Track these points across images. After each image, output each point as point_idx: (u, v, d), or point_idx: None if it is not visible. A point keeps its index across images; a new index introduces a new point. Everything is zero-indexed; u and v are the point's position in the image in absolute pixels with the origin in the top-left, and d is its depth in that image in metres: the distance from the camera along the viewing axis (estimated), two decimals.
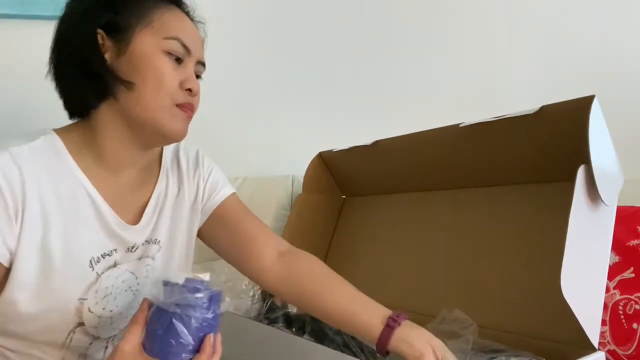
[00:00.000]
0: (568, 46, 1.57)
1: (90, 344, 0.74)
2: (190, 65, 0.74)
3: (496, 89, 1.58)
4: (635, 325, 0.97)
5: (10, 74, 1.21)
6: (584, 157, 0.72)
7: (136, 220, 0.76)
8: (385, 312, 0.73)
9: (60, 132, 0.73)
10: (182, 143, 0.89)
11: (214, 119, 1.57)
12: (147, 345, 0.62)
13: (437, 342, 0.69)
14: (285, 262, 0.82)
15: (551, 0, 1.60)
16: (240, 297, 1.14)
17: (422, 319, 0.89)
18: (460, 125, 0.96)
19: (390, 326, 0.70)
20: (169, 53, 0.71)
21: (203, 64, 0.78)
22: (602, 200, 0.74)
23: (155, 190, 0.80)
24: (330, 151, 1.31)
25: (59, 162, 0.70)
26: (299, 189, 1.38)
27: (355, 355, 0.80)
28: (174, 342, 0.61)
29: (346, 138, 1.26)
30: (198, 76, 0.77)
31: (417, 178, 1.14)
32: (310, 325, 0.99)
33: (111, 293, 0.72)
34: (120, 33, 0.70)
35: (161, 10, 0.72)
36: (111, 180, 0.74)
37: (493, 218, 0.97)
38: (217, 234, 0.87)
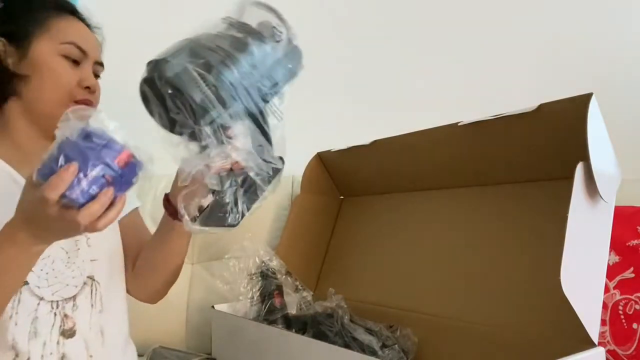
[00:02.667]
0: (566, 44, 1.57)
1: (38, 304, 0.75)
2: (87, 66, 0.83)
3: (494, 88, 1.58)
4: (635, 325, 0.97)
5: None
6: (583, 155, 0.72)
7: None
8: (167, 217, 0.79)
9: None
10: None
11: None
12: (41, 171, 0.57)
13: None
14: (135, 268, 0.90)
15: None
16: (239, 299, 1.14)
17: (421, 318, 0.89)
18: (459, 124, 0.96)
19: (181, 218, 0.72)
20: (65, 56, 0.80)
21: (101, 64, 0.87)
22: (601, 197, 0.74)
23: None
24: (328, 151, 1.32)
25: None
26: (298, 189, 1.38)
27: None
28: (44, 163, 0.56)
29: (345, 138, 1.26)
30: (97, 75, 0.86)
31: (415, 177, 1.14)
32: (312, 330, 1.00)
33: (49, 256, 0.77)
34: (20, 40, 0.79)
35: (58, 18, 0.82)
36: (29, 162, 0.77)
37: (492, 216, 0.97)
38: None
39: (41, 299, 0.76)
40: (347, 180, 1.35)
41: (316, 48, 1.63)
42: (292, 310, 1.11)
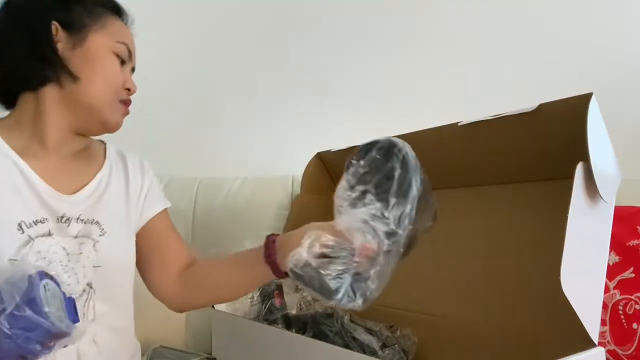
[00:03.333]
0: (566, 44, 1.57)
1: None
2: (128, 69, 0.85)
3: (494, 88, 1.57)
4: (635, 325, 0.97)
5: None
6: (582, 155, 0.72)
7: (74, 192, 0.81)
8: (261, 253, 0.75)
9: None
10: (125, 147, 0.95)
11: (214, 119, 1.58)
12: None
13: (310, 231, 0.66)
14: (183, 276, 0.87)
15: None
16: (239, 299, 1.14)
17: (421, 318, 0.89)
18: (459, 124, 0.96)
19: (272, 264, 0.72)
20: (117, 55, 0.82)
21: (134, 70, 0.88)
22: (601, 197, 0.74)
23: (97, 175, 0.85)
24: (328, 151, 1.32)
25: None
26: (298, 189, 1.37)
27: None
28: None
29: (345, 138, 1.26)
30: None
31: None
32: (312, 330, 0.99)
33: (45, 258, 0.74)
34: (75, 29, 0.79)
35: (112, 17, 0.83)
36: (43, 157, 0.79)
37: (491, 216, 0.97)
38: (140, 246, 0.89)
39: None
40: None
41: (317, 49, 1.64)
42: (292, 310, 1.11)
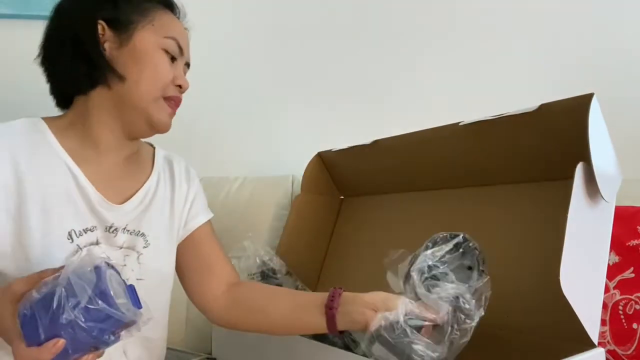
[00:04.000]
0: (567, 44, 1.58)
1: None
2: (181, 65, 0.82)
3: (495, 88, 1.58)
4: (635, 325, 0.97)
5: (11, 73, 1.21)
6: (583, 155, 0.72)
7: (122, 202, 0.80)
8: (322, 301, 0.74)
9: (46, 119, 0.79)
10: (174, 153, 0.95)
11: (214, 119, 1.57)
12: (25, 298, 0.56)
13: (376, 301, 0.70)
14: (231, 292, 0.86)
15: None
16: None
17: None
18: (460, 124, 0.96)
19: (330, 316, 0.72)
20: (166, 51, 0.79)
21: (188, 65, 0.86)
22: (602, 197, 0.74)
23: (146, 184, 0.84)
24: (329, 151, 1.31)
25: (41, 140, 0.75)
26: (298, 189, 1.37)
27: None
28: (34, 315, 0.54)
29: (346, 138, 1.26)
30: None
31: (416, 178, 1.14)
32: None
33: None
34: (122, 27, 0.76)
35: (160, 12, 0.80)
36: (95, 162, 0.78)
37: (491, 216, 0.97)
38: (181, 256, 0.89)
39: None
40: (347, 180, 1.35)
41: (318, 48, 1.64)
42: None
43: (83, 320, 0.53)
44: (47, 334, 0.53)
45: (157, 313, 0.79)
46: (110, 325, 0.55)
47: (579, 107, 0.74)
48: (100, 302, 0.53)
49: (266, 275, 1.12)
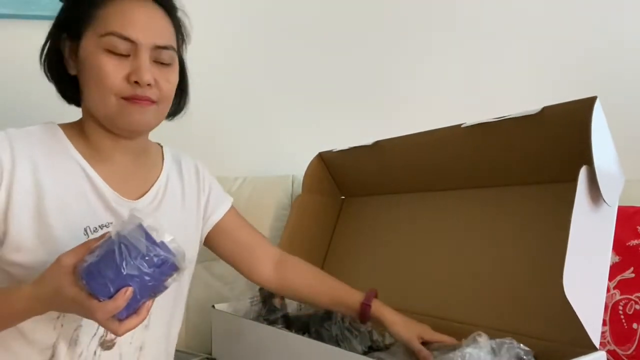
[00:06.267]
0: (570, 47, 1.58)
1: (80, 325, 0.74)
2: (140, 56, 0.72)
3: (498, 90, 1.58)
4: (635, 325, 0.97)
5: (11, 73, 1.21)
6: (586, 158, 0.72)
7: (136, 198, 0.81)
8: (357, 309, 0.90)
9: (62, 125, 0.80)
10: (182, 150, 0.96)
11: (214, 119, 1.57)
12: (79, 266, 0.60)
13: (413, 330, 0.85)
14: (279, 273, 0.96)
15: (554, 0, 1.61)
16: (239, 299, 1.14)
17: (421, 319, 0.89)
18: (462, 126, 0.96)
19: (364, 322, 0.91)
20: (109, 50, 0.71)
21: (164, 47, 0.74)
22: (604, 201, 0.74)
23: (157, 181, 0.85)
24: (330, 151, 1.31)
25: (57, 145, 0.77)
26: (298, 189, 1.37)
27: None
28: (99, 273, 0.59)
29: (346, 138, 1.26)
30: (163, 63, 0.75)
31: (417, 179, 1.14)
32: (312, 330, 1.00)
33: None
34: (77, 37, 0.74)
35: (107, 4, 0.72)
36: (106, 163, 0.79)
37: (494, 218, 0.97)
38: (218, 245, 0.96)
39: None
40: (348, 181, 1.35)
41: (318, 48, 1.64)
42: (292, 310, 1.11)
43: (146, 266, 0.59)
44: (115, 286, 0.59)
45: (174, 305, 0.85)
46: (167, 268, 0.61)
47: (581, 110, 0.74)
48: (157, 248, 0.60)
49: None
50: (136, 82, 0.71)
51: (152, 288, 0.62)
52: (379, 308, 0.88)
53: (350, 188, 1.36)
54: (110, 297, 0.59)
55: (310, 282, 0.96)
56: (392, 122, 1.28)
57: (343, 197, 1.40)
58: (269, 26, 1.59)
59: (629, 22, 1.57)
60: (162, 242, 0.61)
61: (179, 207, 0.87)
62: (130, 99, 0.72)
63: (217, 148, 1.56)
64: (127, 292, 0.58)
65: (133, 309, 0.61)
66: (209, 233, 0.94)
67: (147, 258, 0.59)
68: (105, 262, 0.59)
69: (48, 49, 0.77)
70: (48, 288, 0.62)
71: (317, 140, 1.38)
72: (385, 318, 0.87)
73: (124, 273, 0.58)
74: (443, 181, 1.09)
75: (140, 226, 0.61)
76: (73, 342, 0.73)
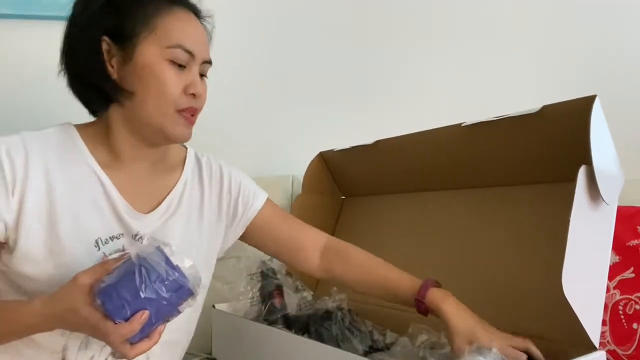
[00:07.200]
0: (569, 46, 1.58)
1: None
2: (194, 69, 0.75)
3: (498, 89, 1.58)
4: (635, 325, 0.97)
5: (11, 73, 1.21)
6: (586, 157, 0.72)
7: (148, 211, 0.79)
8: (415, 287, 0.81)
9: (78, 126, 0.77)
10: (206, 153, 0.94)
11: (214, 119, 1.57)
12: (96, 286, 0.60)
13: (467, 332, 0.73)
14: (325, 264, 0.92)
15: None
16: (239, 299, 1.13)
17: (422, 320, 0.89)
18: (462, 125, 0.96)
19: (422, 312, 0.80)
20: (172, 61, 0.72)
21: (209, 62, 0.79)
22: (603, 200, 0.74)
23: (172, 191, 0.83)
24: (330, 151, 1.31)
25: (73, 149, 0.75)
26: (299, 189, 1.37)
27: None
28: (117, 294, 0.59)
29: (346, 138, 1.26)
30: (203, 75, 0.78)
31: (417, 178, 1.14)
32: (312, 330, 0.99)
33: None
34: (125, 40, 0.72)
35: (164, 14, 0.73)
36: (124, 171, 0.77)
37: (493, 218, 0.97)
38: (260, 242, 0.94)
39: None
40: (349, 180, 1.35)
41: (318, 48, 1.64)
42: (292, 311, 1.11)
43: (164, 290, 0.60)
44: (132, 309, 0.59)
45: (185, 320, 0.79)
46: (182, 293, 0.62)
47: (581, 109, 0.74)
48: (175, 273, 0.60)
49: (266, 275, 1.12)
50: (193, 95, 0.74)
51: (167, 313, 0.62)
52: (437, 304, 0.76)
53: (350, 188, 1.36)
54: (126, 319, 0.59)
55: (359, 276, 0.89)
56: (392, 122, 1.28)
57: (343, 197, 1.40)
58: (269, 26, 1.59)
59: (629, 22, 1.57)
60: (179, 267, 0.61)
61: (195, 216, 0.85)
62: (183, 111, 0.74)
63: (217, 148, 1.55)
64: (144, 316, 0.59)
65: (146, 332, 0.61)
66: (245, 231, 0.92)
67: (166, 282, 0.60)
68: (124, 283, 0.59)
69: (81, 49, 0.73)
70: (62, 306, 0.62)
71: (317, 140, 1.38)
72: (444, 317, 0.75)
73: (142, 296, 0.58)
74: (443, 181, 1.09)
75: (161, 249, 0.61)
76: (83, 346, 0.73)
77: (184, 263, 0.62)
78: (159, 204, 0.80)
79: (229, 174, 0.91)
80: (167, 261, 0.60)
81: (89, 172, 0.74)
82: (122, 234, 0.75)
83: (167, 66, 0.72)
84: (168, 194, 0.82)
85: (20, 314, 0.65)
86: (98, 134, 0.77)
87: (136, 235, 0.77)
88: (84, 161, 0.75)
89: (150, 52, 0.72)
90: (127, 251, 0.63)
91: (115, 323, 0.59)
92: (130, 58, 0.71)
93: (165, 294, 0.60)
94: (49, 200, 0.70)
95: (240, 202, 0.90)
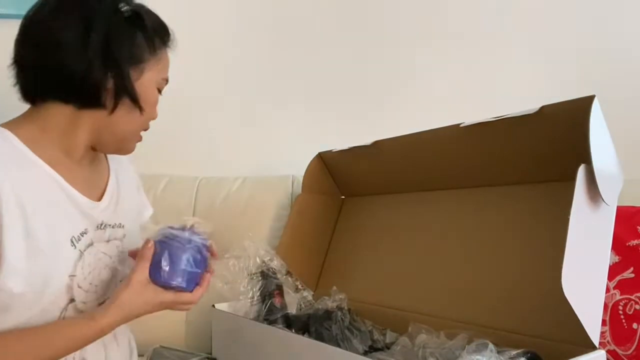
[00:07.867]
0: (568, 45, 1.57)
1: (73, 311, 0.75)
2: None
3: (497, 89, 1.58)
4: (635, 325, 0.97)
5: (11, 73, 1.21)
6: (585, 157, 0.72)
7: (99, 198, 0.82)
8: None
9: (9, 127, 0.74)
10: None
11: (214, 119, 1.57)
12: (152, 273, 0.73)
13: None
14: None
15: None
16: (239, 298, 1.13)
17: (422, 320, 0.89)
18: (461, 126, 0.96)
19: None
20: (159, 89, 0.82)
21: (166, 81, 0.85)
22: (603, 200, 0.74)
23: (110, 180, 0.87)
24: (329, 151, 1.31)
25: (18, 155, 0.71)
26: (298, 189, 1.37)
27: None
28: (174, 270, 0.73)
29: (346, 138, 1.26)
30: (160, 91, 0.84)
31: (416, 178, 1.14)
32: (312, 330, 1.00)
33: (95, 268, 0.77)
34: (137, 62, 0.76)
35: (164, 49, 0.81)
36: (73, 167, 0.78)
37: (493, 218, 0.97)
38: None
39: (81, 311, 0.76)
40: (348, 181, 1.35)
41: (318, 48, 1.64)
42: (292, 310, 1.11)
43: (196, 248, 0.76)
44: (189, 275, 0.75)
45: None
46: (205, 246, 0.78)
47: (580, 109, 0.74)
48: (193, 234, 0.77)
49: (266, 275, 1.12)
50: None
51: (204, 261, 0.78)
52: None
53: (350, 188, 1.37)
54: (193, 285, 0.76)
55: None
56: (392, 122, 1.28)
57: (343, 197, 1.40)
58: (269, 26, 1.59)
59: (629, 22, 1.57)
60: (187, 228, 0.77)
61: (131, 197, 0.91)
62: (144, 130, 0.84)
63: (217, 148, 1.56)
64: (207, 276, 0.78)
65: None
66: None
67: (192, 243, 0.75)
68: (174, 260, 0.73)
69: (82, 79, 0.72)
70: (133, 307, 0.72)
71: (317, 140, 1.38)
72: None
73: (192, 261, 0.74)
74: (442, 180, 1.09)
75: (170, 226, 0.76)
76: None
77: (190, 222, 0.78)
78: (104, 190, 0.84)
79: (134, 170, 0.97)
80: (181, 228, 0.76)
81: (41, 174, 0.73)
82: (87, 229, 0.77)
83: (157, 93, 0.81)
84: (108, 180, 0.86)
85: (81, 331, 0.70)
86: (41, 133, 0.74)
87: (101, 224, 0.80)
88: (32, 164, 0.72)
89: (153, 79, 0.79)
90: (147, 239, 0.75)
91: (191, 292, 0.76)
92: (136, 78, 0.76)
93: (196, 254, 0.75)
94: (21, 212, 0.68)
95: (141, 198, 0.97)
